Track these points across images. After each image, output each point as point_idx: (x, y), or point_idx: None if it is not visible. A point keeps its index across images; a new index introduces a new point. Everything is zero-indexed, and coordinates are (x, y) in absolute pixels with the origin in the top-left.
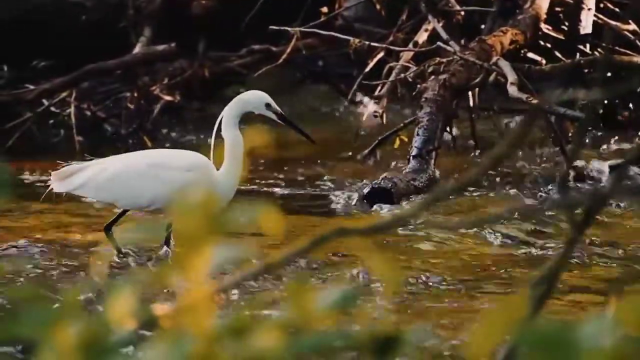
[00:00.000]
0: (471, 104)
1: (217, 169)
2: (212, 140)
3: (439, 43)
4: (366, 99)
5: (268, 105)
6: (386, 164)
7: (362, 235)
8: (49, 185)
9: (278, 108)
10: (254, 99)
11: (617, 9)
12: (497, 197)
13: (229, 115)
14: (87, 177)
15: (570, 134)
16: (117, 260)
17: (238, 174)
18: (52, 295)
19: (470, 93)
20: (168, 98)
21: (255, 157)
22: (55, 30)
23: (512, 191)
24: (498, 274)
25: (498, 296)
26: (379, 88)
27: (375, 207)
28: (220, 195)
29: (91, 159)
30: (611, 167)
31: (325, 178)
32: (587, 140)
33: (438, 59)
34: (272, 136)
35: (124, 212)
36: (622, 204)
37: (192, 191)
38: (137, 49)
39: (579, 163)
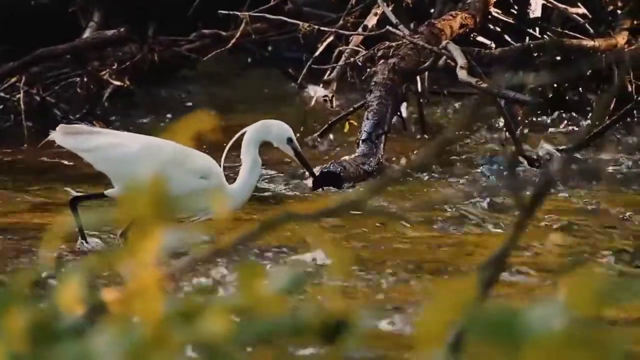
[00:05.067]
0: (419, 88)
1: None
2: (225, 152)
3: (388, 27)
4: (312, 88)
5: (290, 140)
6: (336, 147)
7: (311, 219)
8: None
9: (298, 145)
10: (278, 131)
11: None
12: (444, 180)
13: (249, 140)
14: (98, 143)
15: (519, 118)
16: (75, 239)
17: (249, 193)
18: (2, 279)
19: (419, 77)
20: (117, 83)
21: (202, 142)
22: (4, 15)
23: (460, 174)
24: (448, 257)
25: (446, 279)
26: (329, 72)
27: (324, 190)
28: (227, 206)
29: (102, 126)
30: (559, 151)
31: (274, 162)
32: (535, 124)
33: (387, 42)
34: (218, 121)
35: (101, 194)
36: (570, 187)
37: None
38: (86, 34)
39: (528, 147)
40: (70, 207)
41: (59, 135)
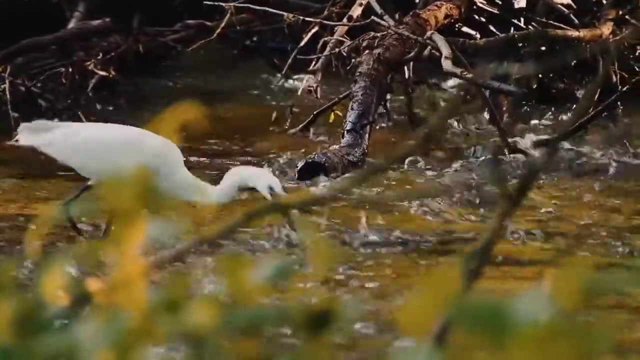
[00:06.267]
0: (407, 76)
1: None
2: None
3: (373, 17)
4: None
5: (271, 189)
6: (321, 138)
7: (296, 209)
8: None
9: (282, 193)
10: (263, 180)
11: None
12: (430, 170)
13: (232, 183)
14: (56, 137)
15: (504, 108)
16: (70, 233)
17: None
18: None
19: (405, 67)
20: (102, 73)
21: (189, 132)
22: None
23: (445, 164)
24: (434, 247)
25: (432, 270)
26: (314, 62)
27: (308, 181)
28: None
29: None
30: (537, 143)
31: (259, 152)
32: (520, 114)
33: (372, 33)
34: (205, 110)
35: (87, 187)
36: (554, 178)
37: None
38: (71, 24)
39: (513, 137)
40: (64, 211)
41: (24, 135)
